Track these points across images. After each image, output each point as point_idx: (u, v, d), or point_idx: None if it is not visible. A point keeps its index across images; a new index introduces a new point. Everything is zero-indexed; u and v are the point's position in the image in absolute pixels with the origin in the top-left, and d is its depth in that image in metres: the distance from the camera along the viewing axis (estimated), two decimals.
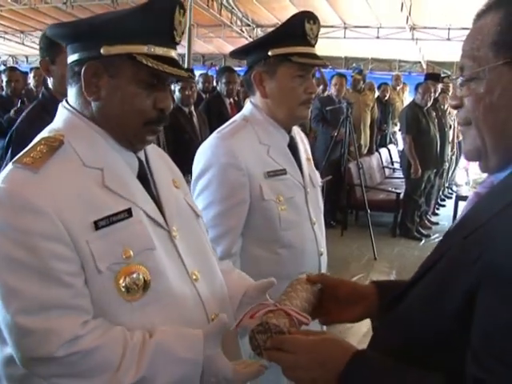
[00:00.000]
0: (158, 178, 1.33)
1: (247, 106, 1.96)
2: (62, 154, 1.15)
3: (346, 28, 12.67)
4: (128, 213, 1.17)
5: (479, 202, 1.04)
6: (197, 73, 8.54)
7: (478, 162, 1.04)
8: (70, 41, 1.22)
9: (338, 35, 12.71)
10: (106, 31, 1.15)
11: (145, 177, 1.29)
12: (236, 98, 6.24)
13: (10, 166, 1.14)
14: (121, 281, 1.12)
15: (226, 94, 5.80)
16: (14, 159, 1.15)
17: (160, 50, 1.17)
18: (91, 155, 1.18)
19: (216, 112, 5.55)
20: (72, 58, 1.21)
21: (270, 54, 1.79)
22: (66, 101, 1.26)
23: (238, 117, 1.96)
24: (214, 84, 7.06)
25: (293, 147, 1.95)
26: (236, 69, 6.35)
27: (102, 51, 1.15)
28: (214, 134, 1.88)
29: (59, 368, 1.06)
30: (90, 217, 1.11)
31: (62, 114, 1.25)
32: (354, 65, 13.60)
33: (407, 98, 10.05)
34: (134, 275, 1.14)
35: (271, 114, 1.88)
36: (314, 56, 1.83)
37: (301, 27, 1.77)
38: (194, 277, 1.28)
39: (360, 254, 6.03)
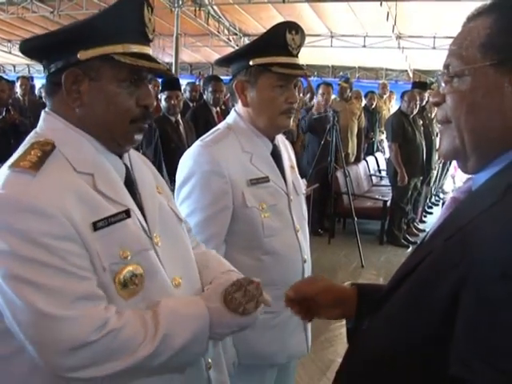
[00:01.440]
0: (142, 184, 1.33)
1: (231, 115, 1.97)
2: (55, 158, 1.16)
3: (332, 37, 12.79)
4: (126, 213, 1.20)
5: (459, 205, 1.05)
6: (184, 82, 8.54)
7: (456, 162, 1.05)
8: (44, 52, 1.22)
9: (324, 44, 12.84)
10: (80, 36, 1.16)
11: (131, 183, 1.30)
12: (223, 107, 6.25)
13: (5, 170, 1.13)
14: (119, 278, 1.15)
15: (213, 102, 5.80)
16: (10, 163, 1.14)
17: (135, 48, 1.19)
18: (81, 161, 1.19)
19: (202, 121, 5.55)
20: (49, 70, 1.21)
21: (251, 63, 1.81)
22: (49, 108, 1.25)
23: (221, 125, 1.97)
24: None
25: (276, 155, 1.96)
26: (223, 78, 6.35)
27: (79, 56, 1.15)
28: (197, 142, 1.88)
29: (93, 353, 1.08)
30: (89, 217, 1.13)
31: (45, 120, 1.24)
32: (340, 73, 13.73)
33: (394, 106, 10.10)
34: (130, 272, 1.16)
35: (253, 122, 1.89)
36: (296, 66, 1.84)
37: (282, 37, 1.78)
38: (176, 282, 1.29)
39: (347, 262, 6.04)
